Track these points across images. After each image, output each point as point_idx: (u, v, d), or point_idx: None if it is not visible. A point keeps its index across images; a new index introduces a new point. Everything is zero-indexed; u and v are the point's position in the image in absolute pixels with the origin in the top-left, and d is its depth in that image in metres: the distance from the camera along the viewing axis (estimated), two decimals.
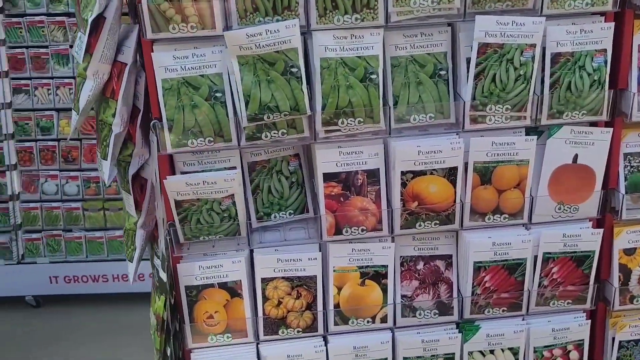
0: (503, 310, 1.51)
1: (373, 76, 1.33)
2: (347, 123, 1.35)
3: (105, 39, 1.27)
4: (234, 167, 1.41)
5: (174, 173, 1.39)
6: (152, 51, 1.29)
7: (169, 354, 1.40)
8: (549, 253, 1.48)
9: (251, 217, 1.46)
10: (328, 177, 1.40)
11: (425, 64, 1.38)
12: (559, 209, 1.47)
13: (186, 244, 1.43)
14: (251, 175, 1.45)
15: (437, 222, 1.44)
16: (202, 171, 1.39)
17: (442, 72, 1.39)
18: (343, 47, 1.32)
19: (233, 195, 1.34)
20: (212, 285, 1.44)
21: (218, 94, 1.32)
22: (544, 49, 1.36)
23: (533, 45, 1.34)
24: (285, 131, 1.35)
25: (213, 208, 1.35)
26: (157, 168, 1.33)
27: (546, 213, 1.48)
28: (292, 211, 1.49)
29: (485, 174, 1.42)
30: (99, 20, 1.26)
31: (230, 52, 1.27)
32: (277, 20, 1.28)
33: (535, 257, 1.49)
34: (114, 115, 1.32)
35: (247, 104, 1.30)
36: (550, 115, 1.40)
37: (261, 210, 1.47)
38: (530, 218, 1.48)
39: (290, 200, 1.48)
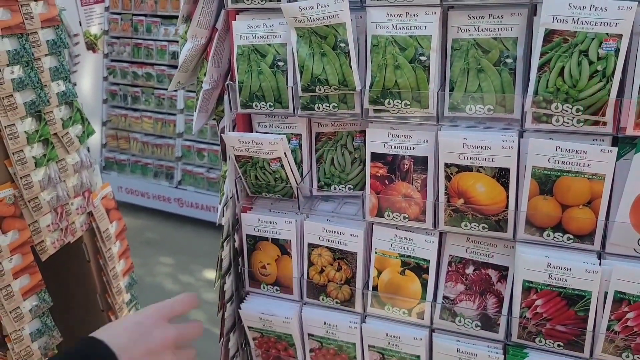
0: (558, 346, 1.29)
1: (423, 58, 1.26)
2: (394, 104, 1.31)
3: (202, 7, 1.47)
4: (300, 134, 1.50)
5: (251, 130, 1.55)
6: (235, 19, 1.45)
7: (224, 289, 1.59)
8: (623, 293, 1.21)
9: (313, 184, 1.54)
10: (375, 157, 1.38)
11: (489, 49, 1.25)
12: None
13: (252, 198, 1.59)
14: (317, 144, 1.52)
15: (486, 226, 1.30)
16: (272, 133, 1.52)
17: (509, 60, 1.23)
18: (395, 25, 1.28)
19: (280, 159, 1.43)
20: (266, 239, 1.57)
21: (280, 63, 1.42)
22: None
23: (618, 36, 1.09)
24: (336, 105, 1.39)
25: (264, 167, 1.47)
26: (227, 124, 1.50)
27: (625, 244, 1.20)
28: (351, 186, 1.51)
29: (546, 182, 1.22)
30: None
31: (289, 24, 1.35)
32: None
33: (606, 294, 1.23)
34: (204, 74, 1.53)
35: (301, 74, 1.37)
36: (638, 125, 1.13)
37: (322, 180, 1.53)
38: (603, 245, 1.23)
39: (351, 174, 1.51)
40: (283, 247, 1.55)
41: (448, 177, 1.30)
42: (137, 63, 5.52)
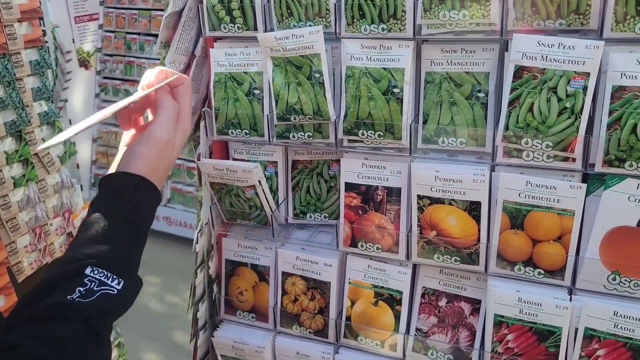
0: None
1: (396, 90, 1.27)
2: (368, 135, 1.31)
3: (180, 34, 1.48)
4: (276, 162, 1.50)
5: (227, 157, 1.54)
6: (212, 47, 1.46)
7: (197, 317, 1.57)
8: (594, 330, 1.20)
9: (289, 212, 1.53)
10: (349, 187, 1.38)
11: (462, 83, 1.25)
12: (614, 279, 1.18)
13: (228, 224, 1.58)
14: (293, 172, 1.52)
15: (458, 258, 1.29)
16: (248, 160, 1.52)
17: (481, 95, 1.24)
18: (369, 57, 1.29)
19: (254, 186, 1.43)
20: (245, 265, 1.56)
21: (256, 91, 1.42)
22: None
23: (586, 74, 1.10)
24: (311, 134, 1.39)
25: (239, 194, 1.47)
26: (202, 150, 1.50)
27: (595, 280, 1.20)
28: (327, 214, 1.51)
29: (516, 216, 1.22)
30: (177, 17, 1.47)
31: (265, 53, 1.36)
32: (310, 26, 1.32)
33: (576, 331, 1.22)
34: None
35: (276, 103, 1.37)
36: (606, 162, 1.13)
37: (298, 208, 1.53)
38: (574, 281, 1.22)
39: (326, 203, 1.50)
40: (262, 273, 1.54)
41: (421, 209, 1.30)
42: (130, 81, 5.52)
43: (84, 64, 5.11)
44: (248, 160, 1.52)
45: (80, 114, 5.25)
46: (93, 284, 0.79)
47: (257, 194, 1.44)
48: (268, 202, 1.46)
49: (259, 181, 1.42)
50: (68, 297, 0.77)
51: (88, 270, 0.79)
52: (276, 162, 1.50)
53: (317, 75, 1.31)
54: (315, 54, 1.30)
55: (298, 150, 1.50)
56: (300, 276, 1.48)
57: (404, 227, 1.35)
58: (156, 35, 5.34)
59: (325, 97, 1.32)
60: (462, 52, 1.24)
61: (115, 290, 0.80)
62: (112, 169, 0.92)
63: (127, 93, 5.61)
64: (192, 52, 1.53)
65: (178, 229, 5.36)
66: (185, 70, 1.55)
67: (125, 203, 0.87)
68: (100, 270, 0.80)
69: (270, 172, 1.51)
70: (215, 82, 1.45)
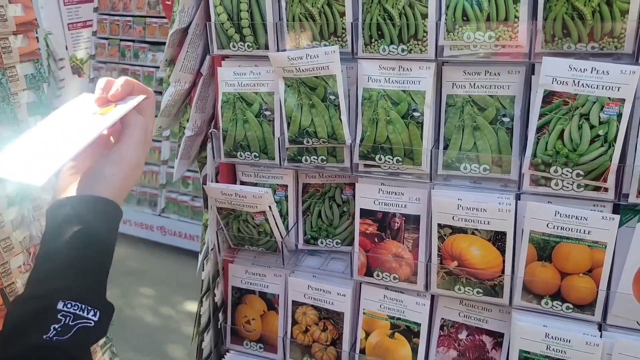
0: None
1: (416, 114, 1.20)
2: (385, 160, 1.25)
3: (186, 51, 1.41)
4: (286, 186, 1.43)
5: (235, 179, 1.48)
6: (220, 66, 1.39)
7: (202, 347, 1.50)
8: None
9: (299, 238, 1.46)
10: (365, 213, 1.31)
11: (485, 107, 1.19)
12: None
13: (235, 250, 1.51)
14: (303, 196, 1.45)
15: (481, 290, 1.23)
16: (256, 183, 1.45)
17: (506, 119, 1.18)
18: (388, 79, 1.22)
19: (264, 212, 1.36)
20: (253, 292, 1.49)
21: (267, 112, 1.35)
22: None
23: (620, 101, 1.04)
24: (325, 158, 1.32)
25: (248, 220, 1.40)
26: (209, 173, 1.43)
27: (628, 316, 1.14)
28: (339, 241, 1.44)
29: (544, 248, 1.16)
30: (183, 34, 1.41)
31: (277, 73, 1.29)
32: (324, 46, 1.25)
33: None
34: (187, 120, 1.46)
35: (288, 125, 1.31)
36: None
37: (309, 233, 1.46)
38: (604, 317, 1.16)
39: (338, 229, 1.44)
40: (270, 302, 1.47)
41: (441, 238, 1.23)
42: None
43: (77, 71, 5.02)
44: (257, 184, 1.45)
45: None
46: (68, 318, 0.73)
47: (267, 220, 1.37)
48: (278, 228, 1.39)
49: (269, 207, 1.35)
50: (44, 336, 0.71)
51: (60, 305, 0.73)
52: (286, 185, 1.43)
53: (332, 97, 1.25)
54: (331, 75, 1.23)
55: (309, 173, 1.43)
56: (312, 306, 1.41)
57: (423, 257, 1.28)
58: (151, 43, 5.27)
59: (340, 119, 1.26)
60: (486, 75, 1.18)
61: (92, 322, 0.75)
62: (70, 191, 0.84)
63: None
64: (198, 70, 1.46)
65: (173, 239, 5.28)
66: (191, 89, 1.48)
67: (92, 228, 0.80)
68: (73, 303, 0.74)
69: (279, 195, 1.44)
70: (223, 102, 1.38)
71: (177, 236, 5.25)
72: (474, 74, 1.19)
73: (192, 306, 4.49)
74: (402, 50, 1.19)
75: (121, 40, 5.34)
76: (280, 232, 1.40)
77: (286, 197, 1.44)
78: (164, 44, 5.19)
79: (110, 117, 0.86)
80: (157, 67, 5.29)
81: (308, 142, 1.30)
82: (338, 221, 1.44)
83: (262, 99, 1.35)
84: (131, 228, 5.56)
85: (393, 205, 1.28)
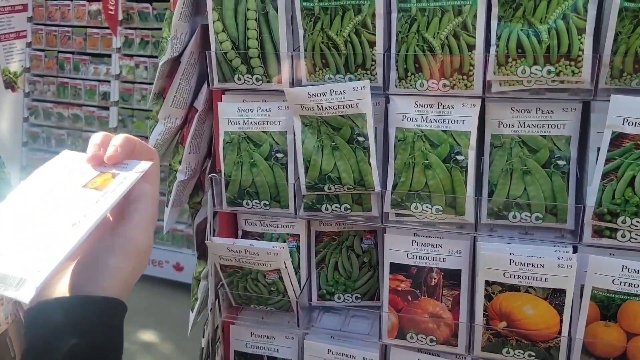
0: None
1: (460, 157, 1.05)
2: (423, 209, 1.09)
3: (178, 83, 1.21)
4: (297, 235, 1.25)
5: (236, 229, 1.28)
6: (221, 100, 1.19)
7: None
8: None
9: (312, 293, 1.29)
10: (396, 268, 1.15)
11: (538, 148, 1.06)
12: None
13: (238, 309, 1.31)
14: (317, 246, 1.27)
15: (533, 354, 1.09)
16: (262, 233, 1.26)
17: (561, 163, 1.05)
18: (426, 118, 1.07)
19: (279, 270, 1.18)
20: (260, 357, 1.30)
21: (279, 155, 1.17)
22: None
23: None
24: (349, 206, 1.15)
25: (258, 279, 1.21)
26: (209, 224, 1.23)
27: None
28: (359, 295, 1.28)
29: (608, 307, 1.03)
30: (174, 64, 1.20)
31: (293, 111, 1.11)
32: (350, 79, 1.08)
33: None
34: (180, 162, 1.25)
35: (306, 170, 1.13)
36: None
37: (324, 288, 1.28)
38: None
39: (358, 282, 1.27)
40: None
41: (489, 297, 1.09)
42: (63, 103, 5.06)
43: (10, 85, 4.64)
44: (263, 234, 1.26)
45: (7, 139, 4.76)
46: None
47: (281, 277, 1.19)
48: (292, 286, 1.21)
49: (285, 263, 1.17)
50: None
51: None
52: (298, 235, 1.25)
53: (361, 138, 1.08)
54: (360, 114, 1.07)
55: (324, 220, 1.25)
56: None
57: (465, 316, 1.13)
58: (92, 55, 4.94)
59: (369, 164, 1.09)
60: (538, 112, 1.05)
61: None
62: (58, 287, 0.63)
63: (60, 116, 5.15)
64: (191, 104, 1.26)
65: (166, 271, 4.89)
66: (183, 126, 1.28)
67: (95, 340, 0.61)
68: None
69: (290, 246, 1.26)
70: (226, 143, 1.18)
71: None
72: (523, 111, 1.05)
73: (148, 336, 4.17)
74: (444, 85, 1.04)
75: (59, 52, 4.97)
76: (294, 291, 1.22)
77: (298, 247, 1.26)
78: (107, 55, 4.86)
79: (112, 193, 0.65)
80: (101, 81, 4.97)
81: (330, 188, 1.12)
82: (357, 273, 1.27)
83: (273, 139, 1.17)
84: None
85: (429, 259, 1.13)
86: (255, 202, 1.19)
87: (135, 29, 4.32)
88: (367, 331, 1.25)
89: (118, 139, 0.69)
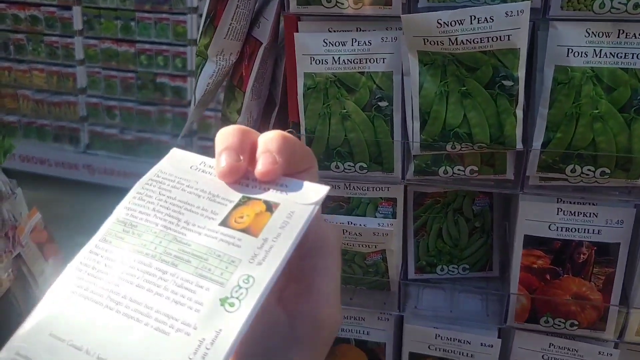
0: None
1: None
2: (582, 172, 0.83)
3: (235, 7, 0.87)
4: (394, 200, 0.98)
5: None
6: (297, 30, 0.87)
7: None
8: None
9: (408, 265, 1.05)
10: (533, 242, 0.91)
11: None
12: None
13: None
14: (417, 210, 1.02)
15: None
16: (349, 198, 0.99)
17: None
18: (599, 51, 0.78)
19: (384, 251, 0.92)
20: (347, 341, 1.08)
21: (382, 103, 0.87)
22: None
23: None
24: (476, 168, 0.88)
25: (354, 261, 0.96)
26: None
27: None
28: (466, 266, 1.04)
29: None
30: None
31: (409, 45, 0.80)
32: (504, 2, 0.77)
33: None
34: (239, 112, 0.95)
35: (423, 123, 0.84)
36: None
37: (423, 259, 1.04)
38: None
39: (467, 251, 1.03)
40: (374, 352, 1.07)
41: None
42: (19, 3, 4.49)
43: None
44: (349, 199, 0.99)
45: None
46: None
47: (384, 259, 0.94)
48: (396, 267, 0.96)
49: (393, 243, 0.91)
50: None
51: None
52: (394, 199, 0.98)
53: (508, 83, 0.79)
54: (511, 50, 0.77)
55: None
56: (440, 358, 1.03)
57: (617, 298, 0.91)
58: None
59: (514, 115, 0.81)
60: None
61: None
62: None
63: (17, 19, 4.61)
64: (248, 34, 0.94)
65: (103, 177, 4.68)
66: (237, 64, 0.96)
67: None
68: None
69: (384, 212, 0.99)
70: (308, 88, 0.88)
71: (108, 174, 4.63)
72: None
73: None
74: (636, 6, 0.74)
75: None
76: (397, 270, 0.97)
77: (393, 213, 1.00)
78: None
79: (278, 242, 0.37)
80: None
81: (454, 147, 0.85)
82: (467, 241, 1.03)
83: (374, 83, 0.87)
84: (51, 168, 4.87)
85: (579, 231, 0.89)
86: (348, 165, 0.91)
87: None
88: (480, 311, 1.03)
89: (272, 140, 0.41)
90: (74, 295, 0.37)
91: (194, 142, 4.18)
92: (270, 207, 0.39)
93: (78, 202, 4.53)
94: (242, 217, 0.39)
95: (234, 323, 0.34)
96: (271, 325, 0.39)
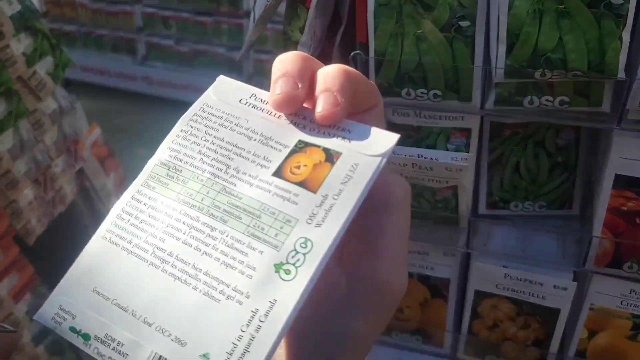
0: None
1: None
2: None
3: None
4: (469, 130, 0.90)
5: None
6: None
7: None
8: None
9: (479, 199, 0.98)
10: (623, 182, 0.82)
11: None
12: None
13: None
14: (493, 142, 0.93)
15: None
16: (418, 127, 0.91)
17: None
18: None
19: (456, 187, 0.85)
20: (410, 275, 1.04)
21: (464, 23, 0.77)
22: None
23: None
24: (567, 99, 0.79)
25: (423, 195, 0.90)
26: None
27: None
28: (543, 204, 0.96)
29: None
30: None
31: None
32: None
33: None
34: (301, 30, 0.87)
35: (510, 47, 0.75)
36: None
37: (496, 194, 0.97)
38: None
39: (545, 187, 0.95)
40: (436, 287, 1.03)
41: None
42: None
43: None
44: (419, 127, 0.91)
45: None
46: None
47: (455, 195, 0.87)
48: (466, 202, 0.90)
49: (467, 179, 0.84)
50: None
51: None
52: (469, 129, 0.90)
53: (617, 1, 0.68)
54: None
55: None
56: (508, 298, 0.98)
57: None
58: None
59: (620, 39, 0.70)
60: None
61: None
62: None
63: None
64: None
65: (160, 89, 4.71)
66: None
67: None
68: None
69: (457, 144, 0.91)
70: (380, 4, 0.79)
71: (166, 86, 4.64)
72: None
73: None
74: None
75: None
76: (467, 207, 0.91)
77: (467, 145, 0.92)
78: None
79: (341, 199, 0.32)
80: None
81: (544, 74, 0.75)
82: (546, 176, 0.94)
83: (457, 0, 0.76)
84: (110, 79, 4.93)
85: None
86: (421, 92, 0.82)
87: None
88: (555, 252, 0.96)
89: (333, 77, 0.35)
90: (117, 247, 0.33)
91: (251, 54, 4.09)
92: (330, 156, 0.33)
93: (136, 113, 4.59)
94: (298, 167, 0.33)
95: (289, 295, 0.30)
96: (328, 287, 0.35)
